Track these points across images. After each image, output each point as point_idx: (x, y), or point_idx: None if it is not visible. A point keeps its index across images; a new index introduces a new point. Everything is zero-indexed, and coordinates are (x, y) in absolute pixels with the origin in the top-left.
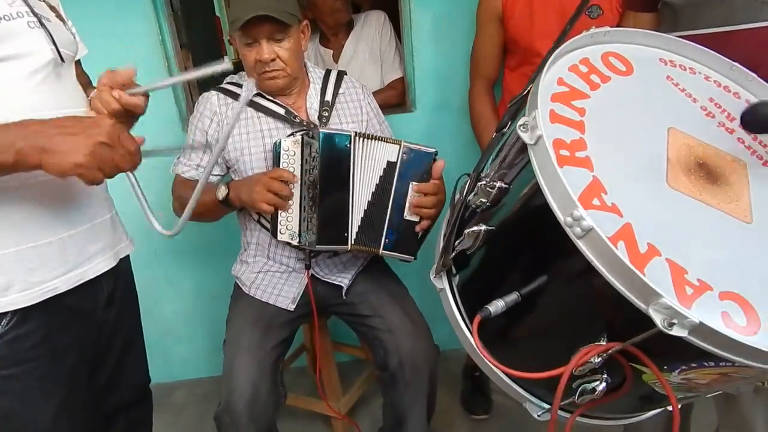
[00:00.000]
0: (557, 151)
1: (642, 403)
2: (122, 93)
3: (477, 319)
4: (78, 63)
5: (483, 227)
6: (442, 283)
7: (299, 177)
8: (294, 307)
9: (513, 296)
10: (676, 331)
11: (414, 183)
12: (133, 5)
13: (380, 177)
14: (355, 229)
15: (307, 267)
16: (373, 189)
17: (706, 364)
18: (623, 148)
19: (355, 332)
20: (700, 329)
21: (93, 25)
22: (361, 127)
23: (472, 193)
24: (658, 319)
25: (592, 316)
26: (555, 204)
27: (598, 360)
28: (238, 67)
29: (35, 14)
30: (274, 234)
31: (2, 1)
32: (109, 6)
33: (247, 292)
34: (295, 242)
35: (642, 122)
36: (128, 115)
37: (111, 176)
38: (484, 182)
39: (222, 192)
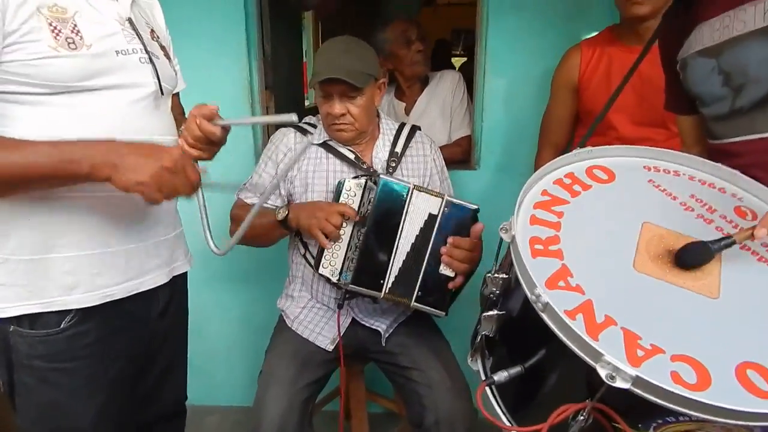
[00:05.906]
0: (532, 246)
1: None
2: (203, 120)
3: (481, 385)
4: (176, 95)
5: (495, 312)
6: (477, 365)
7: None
8: (332, 347)
9: (517, 368)
10: (619, 384)
11: (452, 237)
12: (229, 46)
13: (420, 228)
14: (392, 279)
15: (339, 306)
16: (412, 240)
17: (669, 419)
18: (595, 242)
19: (392, 383)
20: (643, 383)
21: (191, 61)
22: (422, 181)
23: (484, 285)
24: (603, 373)
25: (578, 381)
26: (525, 286)
27: (581, 419)
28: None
29: (147, 51)
30: (316, 266)
31: (122, 38)
32: (208, 44)
33: (290, 326)
34: (334, 279)
35: (617, 219)
36: (209, 144)
37: (169, 199)
38: (491, 275)
39: (282, 212)
